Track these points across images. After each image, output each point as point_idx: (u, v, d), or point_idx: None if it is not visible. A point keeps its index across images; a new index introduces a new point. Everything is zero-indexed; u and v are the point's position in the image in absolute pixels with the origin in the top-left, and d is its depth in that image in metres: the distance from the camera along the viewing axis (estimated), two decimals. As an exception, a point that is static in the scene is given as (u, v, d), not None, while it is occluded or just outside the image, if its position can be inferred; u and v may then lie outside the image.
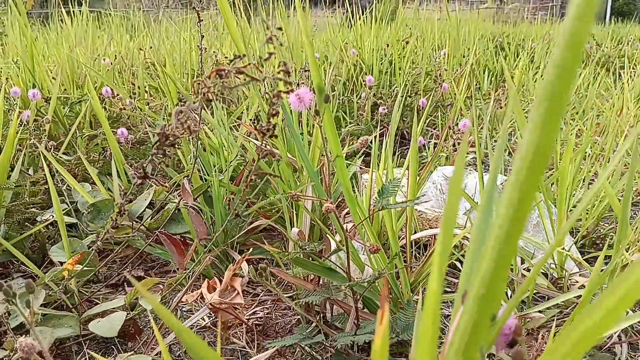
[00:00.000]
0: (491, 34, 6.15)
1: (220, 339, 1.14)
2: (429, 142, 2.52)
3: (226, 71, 0.68)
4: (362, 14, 4.21)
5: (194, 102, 0.67)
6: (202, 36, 0.93)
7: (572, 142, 1.24)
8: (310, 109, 0.90)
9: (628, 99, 2.72)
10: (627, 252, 1.23)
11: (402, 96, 3.06)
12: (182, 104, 0.67)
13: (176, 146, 0.75)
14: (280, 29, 0.68)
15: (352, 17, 4.40)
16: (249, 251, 1.20)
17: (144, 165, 0.73)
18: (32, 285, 0.68)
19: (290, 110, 1.21)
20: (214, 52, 3.45)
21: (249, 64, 0.68)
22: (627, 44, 5.48)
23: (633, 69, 4.28)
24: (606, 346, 1.08)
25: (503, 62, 2.35)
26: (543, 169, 0.31)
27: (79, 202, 1.44)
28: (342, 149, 1.62)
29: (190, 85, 1.57)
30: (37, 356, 0.68)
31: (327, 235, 1.16)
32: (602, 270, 1.39)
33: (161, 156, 0.70)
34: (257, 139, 1.52)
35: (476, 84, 4.12)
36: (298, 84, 1.37)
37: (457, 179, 0.42)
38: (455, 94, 2.83)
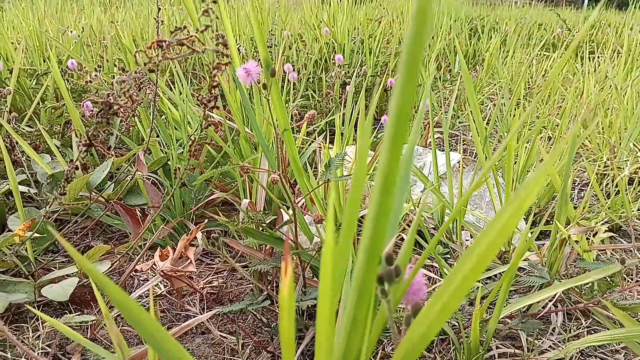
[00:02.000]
0: (466, 17, 6.18)
1: (175, 306, 1.18)
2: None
3: (167, 42, 0.70)
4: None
5: (135, 72, 0.69)
6: (159, 9, 0.94)
7: (516, 122, 1.29)
8: (258, 82, 0.92)
9: (589, 83, 2.80)
10: (567, 226, 1.29)
11: (373, 76, 3.09)
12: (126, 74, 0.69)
13: (135, 118, 0.77)
14: (215, 1, 0.70)
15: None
16: (204, 222, 1.23)
17: (88, 133, 0.75)
18: (-22, 247, 0.71)
19: (251, 87, 1.24)
20: (184, 26, 3.41)
21: (190, 35, 0.70)
22: (598, 29, 5.57)
23: (600, 54, 4.37)
24: (540, 314, 1.15)
25: (471, 45, 2.39)
26: (406, 123, 0.35)
27: (39, 173, 1.45)
28: (304, 127, 1.65)
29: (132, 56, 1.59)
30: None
31: (280, 208, 1.20)
32: (543, 244, 1.46)
33: (105, 124, 0.73)
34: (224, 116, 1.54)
35: (448, 66, 4.17)
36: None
37: (362, 156, 0.45)
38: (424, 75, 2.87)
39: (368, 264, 0.45)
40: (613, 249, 1.45)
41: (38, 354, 0.97)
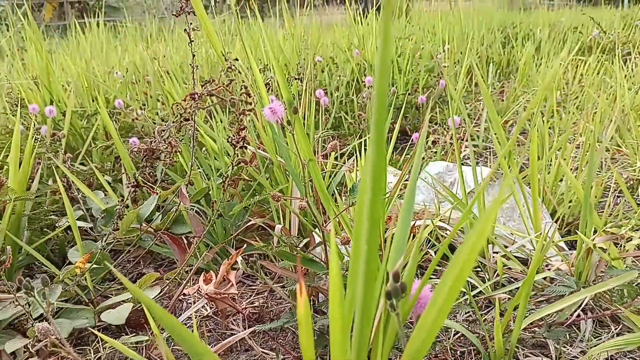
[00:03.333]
0: (499, 25, 6.18)
1: (221, 326, 1.27)
2: (427, 139, 2.62)
3: (198, 94, 0.80)
4: (370, 10, 4.29)
5: (173, 122, 0.80)
6: (194, 55, 1.04)
7: (535, 136, 1.33)
8: (283, 120, 1.02)
9: (622, 88, 2.78)
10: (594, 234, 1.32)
11: (404, 94, 3.16)
12: (165, 122, 0.79)
13: (178, 154, 0.87)
14: (236, 59, 0.80)
15: (362, 14, 4.52)
16: (244, 247, 1.33)
17: (136, 176, 0.86)
18: (46, 279, 0.82)
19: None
20: (212, 79, 3.58)
21: (219, 86, 0.80)
22: (635, 28, 5.47)
23: (638, 55, 4.29)
24: (568, 322, 1.18)
25: (505, 54, 2.43)
26: (385, 115, 0.43)
27: (94, 208, 1.58)
28: (332, 155, 1.74)
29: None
30: (57, 342, 0.82)
31: (312, 232, 1.28)
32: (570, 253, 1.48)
33: (149, 168, 0.83)
34: (256, 147, 1.65)
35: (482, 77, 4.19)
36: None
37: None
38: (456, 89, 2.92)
39: (366, 286, 0.52)
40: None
41: (100, 373, 1.08)
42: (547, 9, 8.73)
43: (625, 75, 3.18)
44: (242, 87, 0.82)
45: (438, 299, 0.50)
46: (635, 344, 0.92)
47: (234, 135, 0.92)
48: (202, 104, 0.80)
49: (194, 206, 1.58)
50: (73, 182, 1.60)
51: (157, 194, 1.37)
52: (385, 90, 0.46)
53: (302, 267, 1.12)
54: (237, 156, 0.97)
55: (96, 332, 1.17)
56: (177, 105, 0.80)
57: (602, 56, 4.41)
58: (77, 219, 1.57)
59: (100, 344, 1.18)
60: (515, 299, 0.98)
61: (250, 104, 0.86)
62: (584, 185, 1.33)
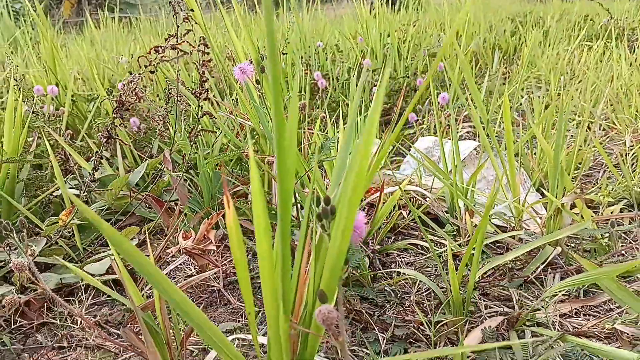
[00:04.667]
0: (510, 14, 6.17)
1: (199, 281, 1.34)
2: (424, 118, 2.66)
3: (162, 47, 0.86)
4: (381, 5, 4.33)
5: (139, 74, 0.86)
6: (178, 26, 1.10)
7: (507, 103, 1.37)
8: (252, 79, 1.07)
9: (620, 68, 2.78)
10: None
11: (403, 77, 3.20)
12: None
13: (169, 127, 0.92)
14: (186, 19, 0.86)
15: (370, 6, 4.56)
16: (223, 211, 1.39)
17: (108, 128, 0.92)
18: (24, 222, 0.89)
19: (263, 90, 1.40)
20: (225, 45, 3.66)
21: (180, 42, 0.86)
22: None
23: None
24: (532, 277, 1.22)
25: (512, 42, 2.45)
26: (279, 88, 0.48)
27: (88, 178, 1.66)
28: (319, 123, 1.79)
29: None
30: (34, 278, 0.88)
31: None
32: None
33: (120, 119, 0.89)
34: (245, 120, 1.71)
35: (487, 64, 4.21)
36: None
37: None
38: (458, 73, 2.94)
39: (283, 210, 0.57)
40: (621, 218, 1.49)
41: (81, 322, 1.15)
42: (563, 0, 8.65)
43: (627, 58, 3.17)
44: (200, 38, 0.87)
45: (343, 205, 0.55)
46: (581, 284, 0.95)
47: (197, 88, 0.98)
48: (166, 57, 0.86)
49: (186, 177, 1.65)
50: (70, 154, 1.68)
51: (148, 160, 1.43)
52: (278, 72, 0.52)
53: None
54: (201, 108, 1.03)
55: (86, 290, 1.24)
56: (142, 58, 0.86)
57: (609, 42, 4.38)
58: (72, 188, 1.65)
59: (85, 296, 1.25)
60: (469, 247, 1.02)
61: (208, 54, 0.92)
62: (554, 147, 1.36)
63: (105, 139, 0.94)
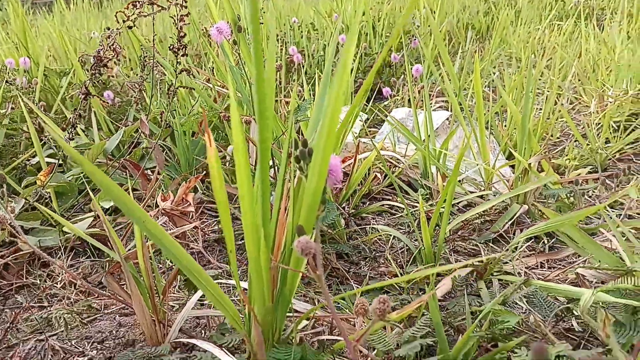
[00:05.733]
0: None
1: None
2: (398, 91, 2.70)
3: (140, 2, 0.87)
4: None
5: (117, 29, 0.87)
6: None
7: (478, 72, 1.41)
8: (228, 39, 1.09)
9: (587, 44, 2.86)
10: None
11: (376, 53, 3.23)
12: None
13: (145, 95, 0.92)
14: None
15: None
16: (203, 173, 1.41)
17: (86, 84, 0.93)
18: (3, 177, 0.90)
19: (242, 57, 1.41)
20: (199, 22, 3.63)
21: (157, -5, 0.87)
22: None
23: (611, 18, 4.36)
24: (499, 232, 1.28)
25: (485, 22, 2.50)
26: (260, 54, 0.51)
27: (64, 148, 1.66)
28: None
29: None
30: (14, 231, 0.89)
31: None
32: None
33: (98, 75, 0.90)
34: (222, 87, 1.72)
35: (460, 43, 4.26)
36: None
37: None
38: (432, 49, 2.98)
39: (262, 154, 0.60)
40: (585, 180, 1.56)
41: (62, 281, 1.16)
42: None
43: (596, 37, 3.25)
44: (180, -8, 0.89)
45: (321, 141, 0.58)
46: (546, 230, 1.00)
47: (175, 44, 0.99)
48: (144, 12, 0.88)
49: (163, 145, 1.66)
50: (46, 123, 1.67)
51: (124, 128, 1.44)
52: (259, 41, 0.55)
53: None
54: (180, 64, 1.05)
55: (65, 251, 1.25)
56: (120, 13, 0.87)
57: (578, 21, 4.47)
58: (48, 157, 1.64)
59: (64, 256, 1.26)
60: (440, 201, 1.06)
61: (186, 7, 0.93)
62: (523, 110, 1.41)
63: (83, 96, 0.95)
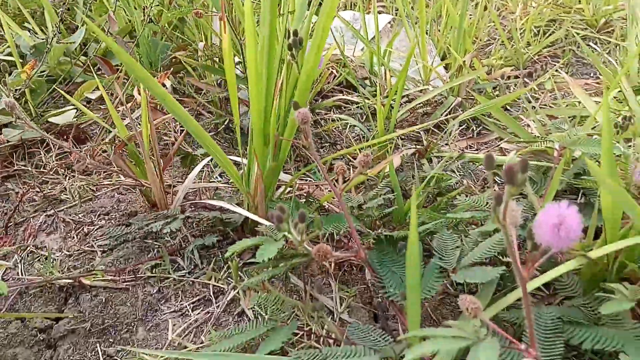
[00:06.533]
0: None
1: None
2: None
3: None
4: None
5: None
6: None
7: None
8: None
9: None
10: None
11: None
12: None
13: None
14: None
15: None
16: (171, 70, 1.51)
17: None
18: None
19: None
20: None
21: None
22: None
23: None
24: (437, 121, 1.49)
25: None
26: None
27: (22, 46, 1.67)
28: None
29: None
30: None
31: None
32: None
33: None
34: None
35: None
36: None
37: None
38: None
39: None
40: (508, 77, 1.79)
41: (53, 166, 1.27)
42: None
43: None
44: None
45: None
46: (477, 113, 1.22)
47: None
48: None
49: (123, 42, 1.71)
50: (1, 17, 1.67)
51: (86, 25, 1.49)
52: None
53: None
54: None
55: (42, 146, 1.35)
56: None
57: None
58: (7, 55, 1.66)
59: (52, 145, 1.36)
60: (392, 92, 1.25)
61: None
62: (459, 13, 1.59)
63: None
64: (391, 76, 1.68)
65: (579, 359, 0.75)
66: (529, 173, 1.04)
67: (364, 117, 1.55)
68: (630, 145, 1.18)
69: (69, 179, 1.23)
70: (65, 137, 1.42)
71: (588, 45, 2.11)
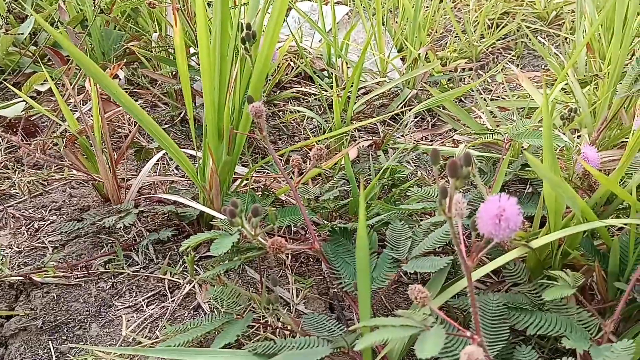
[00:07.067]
0: None
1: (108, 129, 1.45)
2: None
3: None
4: None
5: None
6: None
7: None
8: None
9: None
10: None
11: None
12: None
13: None
14: None
15: None
16: (124, 61, 1.48)
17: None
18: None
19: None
20: None
21: None
22: None
23: None
24: (393, 112, 1.52)
25: None
26: None
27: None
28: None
29: None
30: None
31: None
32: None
33: None
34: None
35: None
36: None
37: None
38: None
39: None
40: (462, 69, 1.83)
41: None
42: None
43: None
44: None
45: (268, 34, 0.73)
46: (432, 104, 1.25)
47: None
48: None
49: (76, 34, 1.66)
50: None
51: (34, 15, 1.44)
52: None
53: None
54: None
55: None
56: None
57: None
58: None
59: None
60: (348, 84, 1.26)
61: None
62: (414, 7, 1.61)
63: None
64: (348, 68, 1.69)
65: (526, 344, 0.78)
66: (479, 164, 1.07)
67: (322, 109, 1.55)
68: (578, 136, 1.23)
69: (18, 174, 1.20)
70: (14, 130, 1.37)
71: (538, 38, 2.17)
